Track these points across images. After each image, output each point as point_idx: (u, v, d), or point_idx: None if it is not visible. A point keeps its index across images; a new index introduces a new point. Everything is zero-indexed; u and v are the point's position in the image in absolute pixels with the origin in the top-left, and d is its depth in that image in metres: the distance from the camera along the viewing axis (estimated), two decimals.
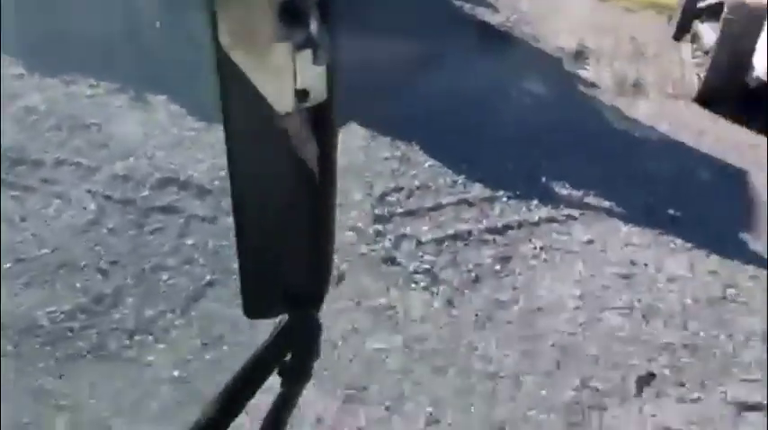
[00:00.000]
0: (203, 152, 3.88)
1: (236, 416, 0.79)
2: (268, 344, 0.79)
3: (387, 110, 4.49)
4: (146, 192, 3.54)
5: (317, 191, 0.72)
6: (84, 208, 3.40)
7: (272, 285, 0.76)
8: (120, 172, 3.64)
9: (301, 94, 0.65)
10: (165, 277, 3.10)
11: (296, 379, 0.80)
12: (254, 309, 0.77)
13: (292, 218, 0.75)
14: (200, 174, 3.70)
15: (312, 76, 0.64)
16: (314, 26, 0.62)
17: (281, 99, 0.64)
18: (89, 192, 3.49)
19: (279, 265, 0.77)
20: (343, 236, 3.50)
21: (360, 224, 3.59)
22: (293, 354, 0.80)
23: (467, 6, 5.99)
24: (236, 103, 0.67)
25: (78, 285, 2.99)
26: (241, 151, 0.70)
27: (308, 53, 0.63)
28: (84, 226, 3.30)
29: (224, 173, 3.85)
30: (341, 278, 3.27)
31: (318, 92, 0.66)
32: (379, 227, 3.59)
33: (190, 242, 3.29)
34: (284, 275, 0.77)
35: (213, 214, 3.46)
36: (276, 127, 0.66)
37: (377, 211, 3.68)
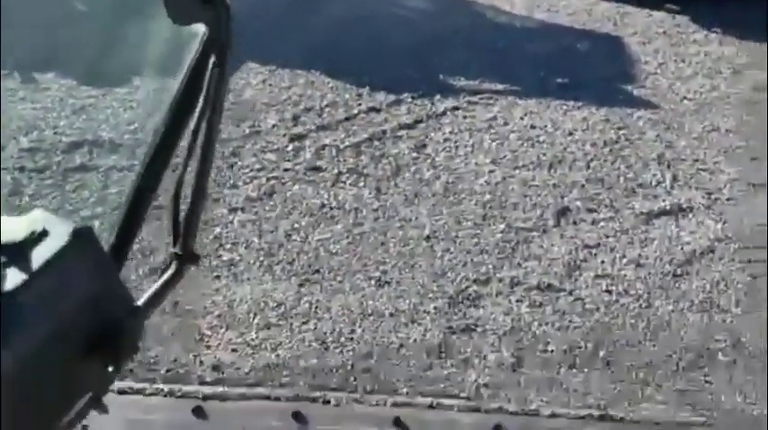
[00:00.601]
0: (105, 114, 4.05)
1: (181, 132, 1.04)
2: (196, 57, 1.03)
3: (279, 45, 4.78)
4: (59, 158, 3.69)
5: None
6: None
7: None
8: (27, 145, 3.77)
9: None
10: (98, 224, 3.29)
11: (223, 52, 1.04)
12: (177, 14, 0.98)
13: None
14: (109, 133, 3.88)
15: None
16: None
17: None
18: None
19: None
20: (264, 157, 3.79)
21: (278, 145, 3.88)
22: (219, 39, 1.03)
23: None
24: None
25: None
26: None
27: None
28: (3, 198, 3.42)
29: (133, 127, 4.11)
30: (271, 192, 3.56)
31: None
32: (297, 143, 3.89)
33: (114, 191, 3.49)
34: None
35: (131, 163, 3.65)
36: None
37: (292, 132, 3.97)
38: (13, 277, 0.84)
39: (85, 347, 0.93)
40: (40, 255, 0.86)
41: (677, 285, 3.07)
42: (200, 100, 1.01)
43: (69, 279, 0.88)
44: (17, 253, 0.86)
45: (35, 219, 0.89)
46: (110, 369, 0.96)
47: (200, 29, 1.05)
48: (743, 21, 5.17)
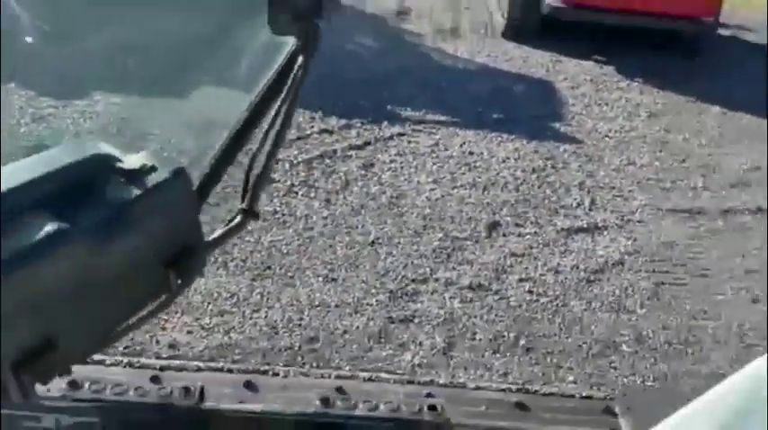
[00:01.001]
0: (65, 122, 4.35)
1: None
2: (287, 58, 1.41)
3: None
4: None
5: None
6: None
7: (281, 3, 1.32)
8: None
9: None
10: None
11: (307, 58, 1.42)
12: (275, 24, 1.28)
13: None
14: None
15: None
16: None
17: None
18: None
19: None
20: None
21: None
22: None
23: None
24: None
25: None
26: None
27: None
28: None
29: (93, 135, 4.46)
30: (225, 198, 3.90)
31: None
32: None
33: None
34: None
35: None
36: None
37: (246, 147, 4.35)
38: (130, 192, 1.21)
39: (166, 260, 1.27)
40: (150, 181, 1.22)
41: (590, 289, 3.55)
42: (285, 90, 1.38)
43: (167, 203, 1.17)
44: (133, 177, 1.23)
45: (147, 156, 1.25)
46: (179, 282, 1.30)
47: (290, 39, 1.44)
48: (663, 72, 5.92)
